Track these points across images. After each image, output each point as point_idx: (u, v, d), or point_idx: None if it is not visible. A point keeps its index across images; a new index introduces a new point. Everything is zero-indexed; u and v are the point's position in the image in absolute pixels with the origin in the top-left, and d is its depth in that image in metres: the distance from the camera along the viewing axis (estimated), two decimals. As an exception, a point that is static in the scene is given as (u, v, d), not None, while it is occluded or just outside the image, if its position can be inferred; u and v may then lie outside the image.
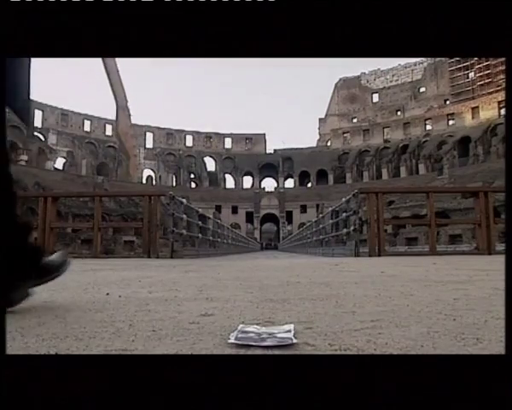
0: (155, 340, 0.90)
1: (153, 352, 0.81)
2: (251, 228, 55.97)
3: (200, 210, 10.45)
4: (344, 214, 8.53)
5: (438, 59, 54.53)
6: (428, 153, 51.17)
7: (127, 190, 38.42)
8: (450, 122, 53.23)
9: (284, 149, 63.15)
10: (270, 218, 57.88)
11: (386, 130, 58.25)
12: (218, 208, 51.90)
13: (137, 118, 58.97)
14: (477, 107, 50.58)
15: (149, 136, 60.06)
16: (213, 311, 1.28)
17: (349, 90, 63.98)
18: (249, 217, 57.01)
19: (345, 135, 61.39)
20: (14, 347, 0.83)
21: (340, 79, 65.68)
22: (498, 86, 47.22)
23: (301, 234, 19.92)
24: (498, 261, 3.50)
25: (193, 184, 59.84)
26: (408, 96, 59.24)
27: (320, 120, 67.23)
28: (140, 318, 1.17)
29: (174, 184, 57.07)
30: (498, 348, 0.79)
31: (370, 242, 7.10)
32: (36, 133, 49.10)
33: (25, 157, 44.28)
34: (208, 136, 62.99)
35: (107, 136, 56.26)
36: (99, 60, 50.22)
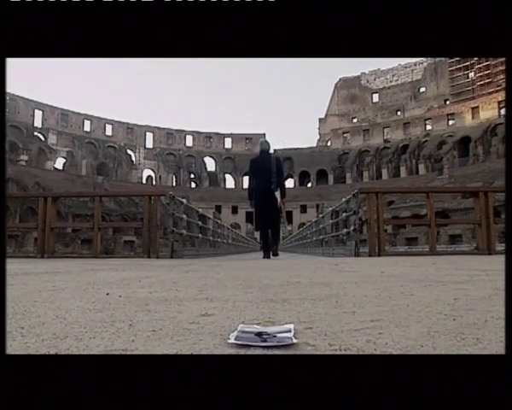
0: (155, 340, 0.90)
1: (153, 352, 0.81)
2: (251, 228, 55.95)
3: (200, 210, 10.45)
4: (344, 214, 8.54)
5: (438, 59, 54.50)
6: (428, 153, 51.16)
7: (127, 190, 38.41)
8: (450, 122, 53.21)
9: (284, 149, 63.07)
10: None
11: (386, 130, 58.23)
12: (218, 208, 51.88)
13: (137, 118, 58.88)
14: (477, 107, 50.55)
15: (149, 136, 60.03)
16: (213, 311, 1.28)
17: (349, 90, 63.96)
18: (249, 217, 56.98)
19: (345, 135, 61.37)
20: (14, 347, 0.83)
21: (340, 79, 65.66)
22: (498, 86, 47.17)
23: (301, 234, 19.92)
24: (498, 261, 3.50)
25: (193, 184, 59.82)
26: (408, 96, 59.22)
27: (320, 120, 67.20)
28: (140, 318, 1.17)
29: (174, 184, 57.04)
30: (498, 348, 0.79)
31: (370, 242, 7.09)
32: (36, 133, 49.11)
33: (25, 157, 44.27)
34: (208, 136, 62.96)
35: (107, 136, 56.26)
36: (99, 60, 50.20)
